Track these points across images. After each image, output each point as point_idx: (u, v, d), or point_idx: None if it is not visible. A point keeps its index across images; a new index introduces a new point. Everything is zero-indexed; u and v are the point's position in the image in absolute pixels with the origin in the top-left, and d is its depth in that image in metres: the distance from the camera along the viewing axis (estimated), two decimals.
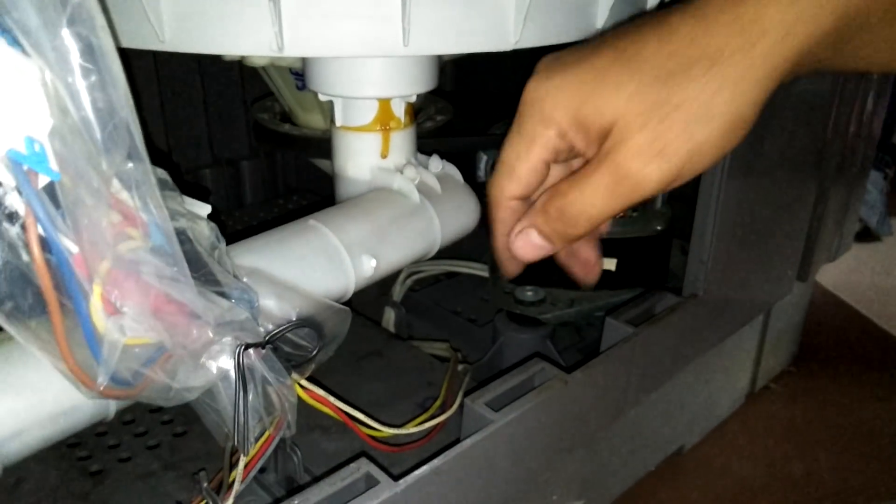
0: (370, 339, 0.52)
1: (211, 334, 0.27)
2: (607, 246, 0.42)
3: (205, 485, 0.35)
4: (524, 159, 0.31)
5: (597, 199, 0.29)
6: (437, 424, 0.38)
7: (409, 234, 0.39)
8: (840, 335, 0.75)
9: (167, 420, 0.45)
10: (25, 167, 0.19)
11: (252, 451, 0.34)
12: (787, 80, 0.28)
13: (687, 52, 0.27)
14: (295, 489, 0.39)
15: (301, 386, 0.35)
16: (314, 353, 0.35)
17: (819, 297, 0.78)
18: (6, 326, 0.20)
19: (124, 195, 0.23)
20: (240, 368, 0.29)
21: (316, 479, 0.33)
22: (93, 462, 0.42)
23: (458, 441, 0.33)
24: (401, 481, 0.30)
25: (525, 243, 0.32)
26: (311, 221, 0.37)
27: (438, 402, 0.42)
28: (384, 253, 0.37)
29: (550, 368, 0.39)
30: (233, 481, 0.34)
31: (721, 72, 0.27)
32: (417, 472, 0.31)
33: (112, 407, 0.28)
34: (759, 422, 0.63)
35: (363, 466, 0.31)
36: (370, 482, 0.31)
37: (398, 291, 0.59)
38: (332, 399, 0.35)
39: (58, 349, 0.21)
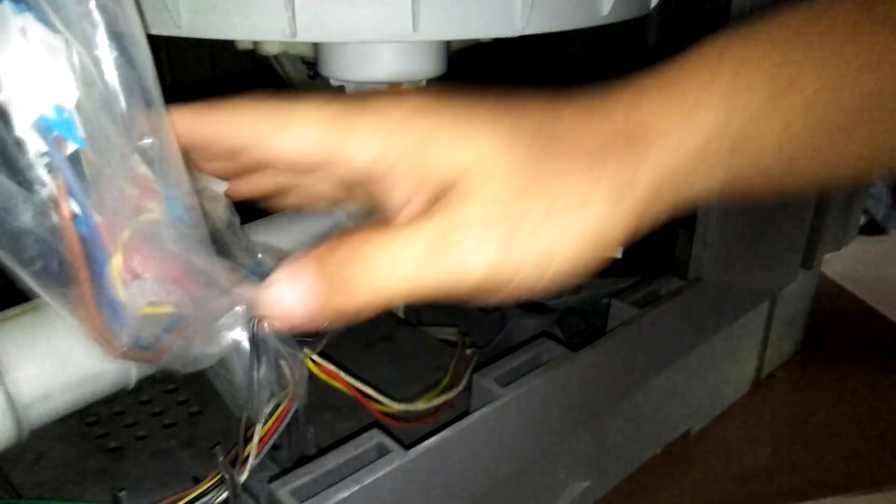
0: (379, 325, 0.53)
1: (228, 304, 0.28)
2: None
3: (221, 458, 0.36)
4: (305, 117, 0.24)
5: (400, 265, 0.21)
6: (446, 401, 0.39)
7: None
8: (846, 325, 0.75)
9: (183, 400, 0.46)
10: (55, 133, 0.20)
11: (266, 426, 0.35)
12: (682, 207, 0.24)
13: (586, 135, 0.22)
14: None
15: (312, 361, 0.36)
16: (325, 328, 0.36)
17: (825, 287, 0.79)
18: (34, 286, 0.21)
19: (143, 169, 0.24)
20: (254, 339, 0.30)
21: (328, 449, 0.34)
22: (111, 440, 0.43)
23: (467, 415, 0.34)
24: (411, 451, 0.31)
25: (286, 291, 0.23)
26: None
27: (446, 381, 0.42)
28: None
29: (556, 346, 0.40)
30: (248, 455, 0.35)
31: (622, 168, 0.22)
32: (427, 443, 0.32)
33: (133, 375, 0.29)
34: (764, 408, 0.63)
35: (375, 436, 0.32)
36: (381, 451, 0.32)
37: None
38: (342, 374, 0.36)
39: (83, 310, 0.22)
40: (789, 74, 0.22)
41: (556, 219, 0.21)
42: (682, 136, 0.22)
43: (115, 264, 0.23)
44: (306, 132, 0.23)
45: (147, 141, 0.24)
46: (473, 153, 0.22)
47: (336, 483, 0.29)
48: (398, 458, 0.31)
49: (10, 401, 0.25)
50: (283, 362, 0.34)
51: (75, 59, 0.21)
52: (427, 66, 0.41)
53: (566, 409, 0.40)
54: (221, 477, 0.36)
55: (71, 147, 0.21)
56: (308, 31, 0.35)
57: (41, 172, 0.21)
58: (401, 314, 0.59)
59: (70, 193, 0.21)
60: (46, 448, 0.42)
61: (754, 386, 0.66)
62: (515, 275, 0.21)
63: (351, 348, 0.50)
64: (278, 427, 0.35)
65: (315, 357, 0.36)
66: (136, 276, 0.24)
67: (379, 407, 0.38)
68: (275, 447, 0.41)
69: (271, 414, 0.35)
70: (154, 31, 0.37)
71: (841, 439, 0.60)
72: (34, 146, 0.20)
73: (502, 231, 0.21)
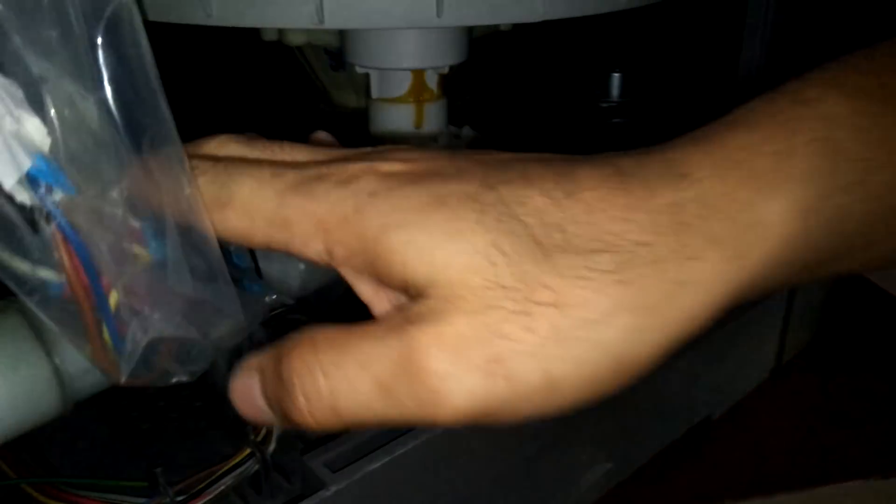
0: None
1: (236, 325, 0.28)
2: None
3: (251, 437, 0.37)
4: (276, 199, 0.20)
5: (356, 388, 0.17)
6: None
7: None
8: (865, 312, 0.75)
9: (213, 383, 0.47)
10: (43, 184, 0.20)
11: None
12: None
13: (615, 218, 0.17)
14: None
15: None
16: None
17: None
18: (38, 312, 0.21)
19: (121, 211, 0.23)
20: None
21: None
22: (143, 422, 0.44)
23: None
24: None
25: (242, 395, 0.21)
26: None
27: None
28: None
29: None
30: (273, 428, 0.36)
31: (671, 265, 0.17)
32: None
33: None
34: (785, 394, 0.64)
35: None
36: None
37: None
38: None
39: (89, 344, 0.22)
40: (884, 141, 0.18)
41: (562, 340, 0.16)
42: (757, 227, 0.17)
43: (113, 303, 0.23)
44: (243, 220, 0.20)
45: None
46: (444, 258, 0.17)
47: (367, 455, 0.30)
48: (427, 432, 0.32)
49: (59, 373, 0.26)
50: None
51: (53, 104, 0.19)
52: (450, 52, 0.42)
53: None
54: (251, 452, 0.37)
55: (60, 195, 0.20)
56: (335, 18, 0.36)
57: (40, 220, 0.20)
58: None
59: (67, 240, 0.21)
60: (81, 430, 0.43)
61: (774, 372, 0.66)
62: (510, 409, 0.17)
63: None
64: None
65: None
66: (137, 313, 0.23)
67: None
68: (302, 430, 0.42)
69: None
70: (185, 21, 0.38)
71: (860, 425, 0.60)
72: (25, 199, 0.20)
73: (485, 357, 0.16)
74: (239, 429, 0.44)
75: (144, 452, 0.42)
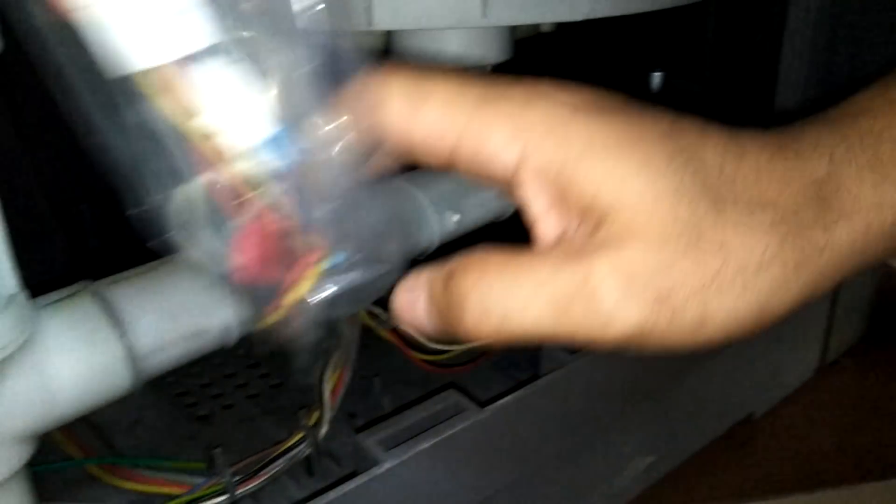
0: None
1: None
2: None
3: (303, 421, 0.39)
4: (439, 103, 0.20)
5: (532, 307, 0.19)
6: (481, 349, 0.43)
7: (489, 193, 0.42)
8: None
9: (264, 374, 0.49)
10: (268, 152, 0.21)
11: (330, 383, 0.38)
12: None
13: (775, 183, 0.19)
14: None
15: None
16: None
17: (889, 273, 0.78)
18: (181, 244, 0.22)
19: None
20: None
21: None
22: (199, 408, 0.46)
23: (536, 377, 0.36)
24: (486, 409, 0.33)
25: (407, 305, 0.22)
26: (398, 181, 0.40)
27: None
28: (467, 209, 0.40)
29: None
30: (324, 413, 0.38)
31: (814, 231, 0.19)
32: (501, 402, 0.34)
33: (234, 333, 0.32)
34: (828, 393, 0.63)
35: (452, 395, 0.34)
36: (458, 408, 0.33)
37: None
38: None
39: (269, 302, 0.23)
40: None
41: (722, 282, 0.18)
42: (880, 208, 0.19)
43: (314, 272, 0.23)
44: (441, 117, 0.20)
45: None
46: (637, 187, 0.18)
47: (417, 436, 0.31)
48: (473, 415, 0.33)
49: (130, 350, 0.28)
50: (341, 322, 0.36)
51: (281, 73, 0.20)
52: (493, 50, 0.43)
53: (628, 381, 0.41)
54: (304, 436, 0.39)
55: (283, 162, 0.21)
56: (384, 20, 0.38)
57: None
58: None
59: (287, 208, 0.21)
60: (142, 415, 0.45)
61: (819, 371, 0.65)
62: (660, 338, 0.18)
63: None
64: (342, 383, 0.38)
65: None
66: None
67: (417, 355, 0.42)
68: (351, 414, 0.44)
69: (329, 375, 0.38)
70: None
71: None
72: (252, 168, 0.21)
73: (655, 290, 0.18)
74: (290, 416, 0.46)
75: (200, 437, 0.43)
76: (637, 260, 0.18)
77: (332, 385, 0.38)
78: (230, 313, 0.31)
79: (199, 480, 0.37)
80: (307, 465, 0.40)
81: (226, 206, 0.21)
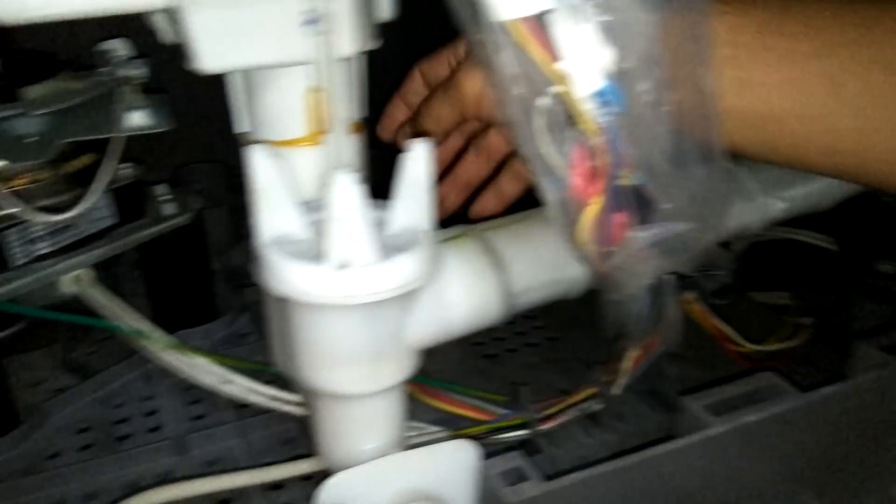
0: None
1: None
2: None
3: (599, 377, 0.42)
4: None
5: None
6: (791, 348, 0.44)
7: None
8: None
9: (541, 326, 0.52)
10: (606, 99, 0.24)
11: (636, 353, 0.40)
12: None
13: None
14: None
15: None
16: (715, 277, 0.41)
17: None
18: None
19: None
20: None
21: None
22: (486, 348, 0.50)
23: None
24: (808, 394, 0.34)
25: None
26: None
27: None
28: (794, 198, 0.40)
29: (879, 354, 0.37)
30: (620, 375, 0.40)
31: None
32: (823, 390, 0.34)
33: (581, 286, 0.35)
34: None
35: (769, 377, 0.35)
36: (776, 390, 0.35)
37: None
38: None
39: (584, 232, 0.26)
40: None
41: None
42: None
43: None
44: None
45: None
46: None
47: (741, 408, 0.33)
48: (793, 399, 0.34)
49: (507, 287, 0.32)
50: (668, 301, 0.38)
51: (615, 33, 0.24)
52: None
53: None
54: (594, 393, 0.42)
55: (615, 110, 0.24)
56: None
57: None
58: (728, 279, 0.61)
59: (611, 149, 0.25)
60: (436, 349, 0.50)
61: None
62: None
63: None
64: (646, 356, 0.40)
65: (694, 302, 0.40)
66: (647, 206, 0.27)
67: (735, 347, 0.43)
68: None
69: (635, 346, 0.40)
70: None
71: None
72: (591, 112, 0.24)
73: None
74: (569, 368, 0.48)
75: (488, 374, 0.48)
76: None
77: (635, 356, 0.39)
78: (579, 268, 0.34)
79: (504, 411, 0.41)
80: (594, 418, 0.43)
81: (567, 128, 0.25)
